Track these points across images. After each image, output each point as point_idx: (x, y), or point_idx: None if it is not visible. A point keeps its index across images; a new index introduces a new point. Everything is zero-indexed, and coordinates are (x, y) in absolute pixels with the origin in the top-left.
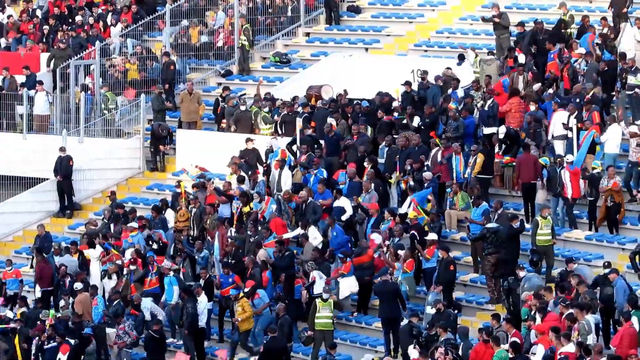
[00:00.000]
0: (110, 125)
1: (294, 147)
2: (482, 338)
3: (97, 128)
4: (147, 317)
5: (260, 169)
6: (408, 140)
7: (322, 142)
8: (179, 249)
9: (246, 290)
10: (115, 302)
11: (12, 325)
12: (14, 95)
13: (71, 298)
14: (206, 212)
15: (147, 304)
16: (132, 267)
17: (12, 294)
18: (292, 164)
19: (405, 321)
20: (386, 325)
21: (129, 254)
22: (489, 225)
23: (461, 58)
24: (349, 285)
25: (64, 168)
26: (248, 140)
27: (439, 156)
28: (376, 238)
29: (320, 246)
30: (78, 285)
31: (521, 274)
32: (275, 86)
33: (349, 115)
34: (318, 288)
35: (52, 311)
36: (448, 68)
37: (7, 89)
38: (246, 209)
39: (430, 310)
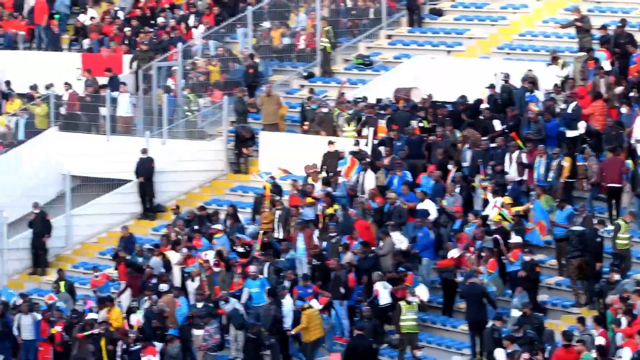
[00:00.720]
0: (193, 127)
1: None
2: (563, 342)
3: (180, 130)
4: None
5: (342, 170)
6: (469, 138)
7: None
8: (265, 243)
9: (320, 306)
10: (202, 304)
11: (96, 330)
12: (96, 97)
13: (155, 298)
14: (291, 214)
15: (234, 305)
16: (217, 269)
17: (104, 296)
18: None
19: (489, 323)
20: (472, 328)
21: (211, 256)
22: (574, 227)
23: (553, 60)
24: (420, 293)
25: (145, 170)
26: (330, 142)
27: (523, 158)
28: (453, 253)
29: (406, 249)
30: (163, 287)
31: (616, 277)
32: (358, 88)
33: (433, 117)
34: (383, 299)
35: (139, 312)
36: (530, 70)
37: (89, 91)
38: (330, 211)
39: (515, 313)
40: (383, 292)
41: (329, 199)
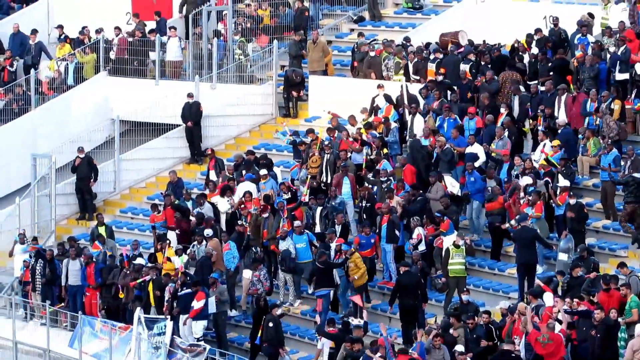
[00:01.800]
0: (243, 71)
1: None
2: (603, 286)
3: (230, 74)
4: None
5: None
6: (509, 80)
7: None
8: (314, 188)
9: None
10: (252, 248)
11: (148, 277)
12: (145, 42)
13: (204, 243)
14: (340, 158)
15: (287, 245)
16: (264, 215)
17: (161, 233)
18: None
19: (539, 268)
20: (522, 270)
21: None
22: (637, 174)
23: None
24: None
25: (193, 114)
26: (379, 86)
27: (571, 102)
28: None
29: (459, 194)
30: (209, 232)
31: None
32: (408, 32)
33: (482, 61)
34: (423, 245)
35: (183, 257)
36: (587, 13)
37: (136, 36)
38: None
39: (562, 257)
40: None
41: (379, 143)
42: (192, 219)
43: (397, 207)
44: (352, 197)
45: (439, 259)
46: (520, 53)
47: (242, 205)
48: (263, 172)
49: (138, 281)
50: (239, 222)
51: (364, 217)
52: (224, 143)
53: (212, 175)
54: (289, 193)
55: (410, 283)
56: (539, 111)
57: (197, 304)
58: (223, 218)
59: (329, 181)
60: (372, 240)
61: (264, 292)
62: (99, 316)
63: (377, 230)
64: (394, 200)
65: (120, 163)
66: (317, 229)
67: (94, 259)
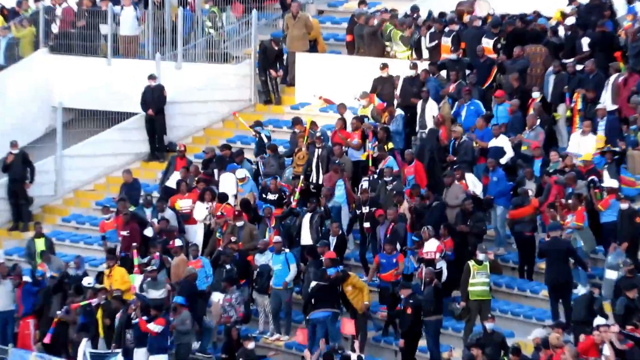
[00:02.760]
0: (215, 48)
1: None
2: None
3: (198, 51)
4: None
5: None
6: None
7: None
8: (305, 190)
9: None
10: (228, 267)
11: (94, 300)
12: (95, 12)
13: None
14: (334, 154)
15: (267, 260)
16: (239, 223)
17: (113, 246)
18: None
19: (581, 289)
20: (555, 292)
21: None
22: None
23: None
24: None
25: (155, 100)
26: (383, 66)
27: (623, 84)
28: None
29: (481, 195)
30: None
31: None
32: (416, 1)
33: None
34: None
35: (134, 277)
36: None
37: (84, 5)
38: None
39: (610, 275)
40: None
41: (383, 135)
42: (150, 229)
43: (407, 213)
44: (347, 202)
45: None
46: (553, 25)
47: (220, 213)
48: (241, 173)
49: (82, 304)
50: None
51: (368, 226)
52: (192, 135)
53: (175, 177)
54: (276, 195)
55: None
56: (576, 95)
57: (153, 327)
58: (199, 228)
59: (320, 182)
60: (395, 261)
61: (236, 320)
62: (34, 350)
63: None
64: (403, 207)
65: (63, 160)
66: (307, 241)
67: (24, 279)
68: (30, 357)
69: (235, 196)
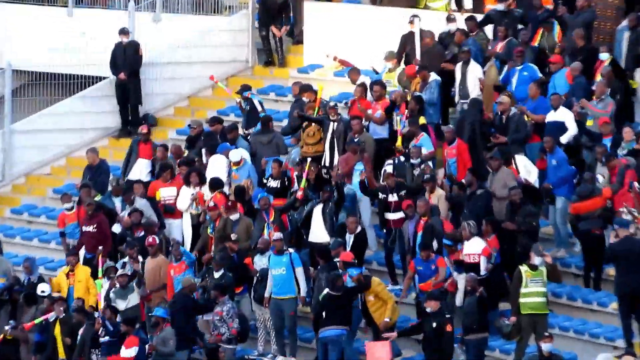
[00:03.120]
0: None
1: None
2: None
3: (183, 0)
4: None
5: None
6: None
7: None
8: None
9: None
10: (220, 271)
11: (51, 315)
12: None
13: (140, 261)
14: (352, 130)
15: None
16: (234, 217)
17: (75, 244)
18: None
19: None
20: (627, 303)
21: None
22: None
23: None
24: None
25: (128, 61)
26: (412, 18)
27: None
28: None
29: (536, 184)
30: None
31: None
32: None
33: None
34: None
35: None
36: None
37: None
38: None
39: None
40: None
41: (415, 106)
42: (118, 226)
43: (441, 205)
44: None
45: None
46: None
47: (212, 204)
48: (236, 155)
49: (37, 321)
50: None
51: (396, 217)
52: (173, 105)
53: (140, 167)
54: (278, 181)
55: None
56: None
57: (125, 353)
58: (186, 220)
59: (334, 164)
60: (434, 267)
61: (228, 337)
62: None
63: (392, 241)
64: (436, 195)
65: (13, 137)
66: (317, 238)
67: None
68: None
69: (229, 184)
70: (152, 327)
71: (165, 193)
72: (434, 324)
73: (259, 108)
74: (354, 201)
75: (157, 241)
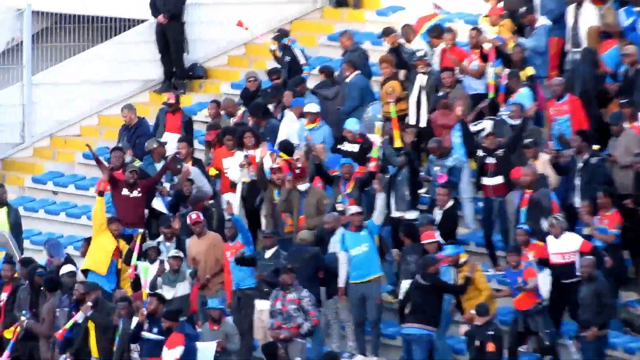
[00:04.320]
0: None
1: None
2: None
3: None
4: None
5: None
6: None
7: None
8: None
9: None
10: (272, 250)
11: (80, 316)
12: None
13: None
14: (443, 84)
15: (334, 246)
16: (302, 187)
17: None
18: None
19: None
20: None
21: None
22: None
23: None
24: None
25: (170, 1)
26: None
27: None
28: None
29: None
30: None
31: None
32: None
33: None
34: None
35: (145, 266)
36: None
37: None
38: (524, 75)
39: None
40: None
41: (521, 54)
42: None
43: (548, 171)
44: (466, 156)
45: None
46: None
47: (275, 165)
48: (313, 107)
49: (67, 326)
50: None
51: (494, 183)
52: (227, 53)
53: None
54: (357, 145)
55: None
56: None
57: (168, 355)
58: (237, 192)
59: (421, 124)
60: (521, 280)
61: (310, 329)
62: None
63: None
64: (541, 162)
65: (33, 91)
66: (396, 212)
67: None
68: None
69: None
70: (213, 321)
71: (229, 163)
72: (477, 342)
73: (302, 60)
74: (447, 170)
75: (202, 217)
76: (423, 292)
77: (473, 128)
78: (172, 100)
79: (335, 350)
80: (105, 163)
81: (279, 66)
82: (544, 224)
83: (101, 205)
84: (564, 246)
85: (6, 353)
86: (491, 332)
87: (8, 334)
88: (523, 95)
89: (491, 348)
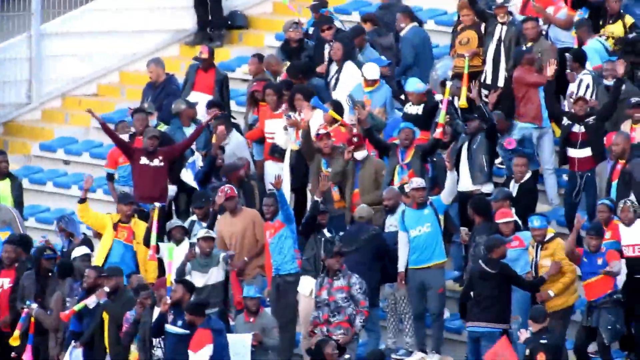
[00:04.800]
0: None
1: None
2: None
3: None
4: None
5: None
6: None
7: None
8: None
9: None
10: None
11: (92, 300)
12: None
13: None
14: (525, 36)
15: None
16: (360, 155)
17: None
18: None
19: None
20: None
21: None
22: None
23: None
24: None
25: None
26: None
27: None
28: None
29: None
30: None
31: None
32: None
33: None
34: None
35: (170, 247)
36: None
37: None
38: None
39: None
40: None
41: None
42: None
43: None
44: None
45: None
46: None
47: (323, 131)
48: (371, 71)
49: (77, 307)
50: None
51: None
52: (272, 0)
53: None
54: (420, 107)
55: None
56: None
57: (195, 357)
58: (286, 162)
59: (499, 83)
60: (601, 261)
61: (363, 323)
62: None
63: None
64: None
65: (43, 43)
66: (466, 185)
67: None
68: None
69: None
70: (250, 313)
71: (272, 127)
72: (527, 351)
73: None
74: (529, 139)
75: (236, 192)
76: (487, 282)
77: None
78: (205, 55)
79: (390, 347)
80: (130, 132)
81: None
82: (633, 203)
83: (85, 211)
84: (636, 236)
85: (28, 349)
86: (544, 341)
87: (14, 341)
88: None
89: (541, 358)
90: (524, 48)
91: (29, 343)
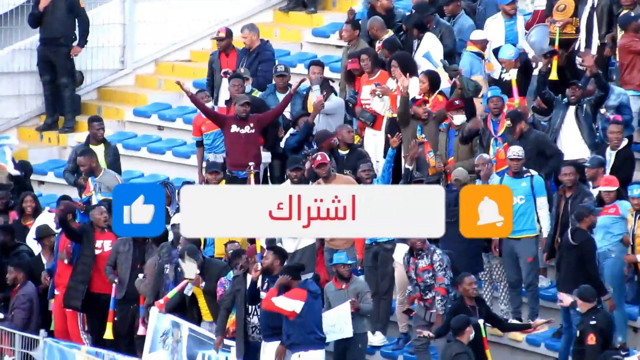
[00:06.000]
0: None
1: None
2: None
3: None
4: None
5: None
6: None
7: None
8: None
9: None
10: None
11: (188, 287)
12: None
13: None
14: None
15: None
16: (458, 120)
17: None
18: None
19: None
20: None
21: None
22: None
23: None
24: None
25: None
26: None
27: None
28: None
29: None
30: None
31: None
32: None
33: None
34: None
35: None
36: None
37: None
38: None
39: None
40: None
41: None
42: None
43: None
44: None
45: None
46: None
47: (419, 97)
48: (478, 34)
49: (171, 295)
50: None
51: None
52: None
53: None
54: (514, 72)
55: None
56: None
57: (283, 303)
58: (382, 129)
59: (592, 43)
60: None
61: (442, 304)
62: (84, 342)
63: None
64: None
65: (136, 7)
66: (569, 154)
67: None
68: (78, 354)
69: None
70: (341, 279)
71: (368, 93)
72: (577, 332)
73: None
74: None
75: (328, 159)
76: (572, 255)
77: None
78: (223, 34)
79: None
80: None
81: None
82: None
83: None
84: None
85: (110, 312)
86: (593, 322)
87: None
88: None
89: (591, 341)
90: (632, 15)
91: (112, 307)
